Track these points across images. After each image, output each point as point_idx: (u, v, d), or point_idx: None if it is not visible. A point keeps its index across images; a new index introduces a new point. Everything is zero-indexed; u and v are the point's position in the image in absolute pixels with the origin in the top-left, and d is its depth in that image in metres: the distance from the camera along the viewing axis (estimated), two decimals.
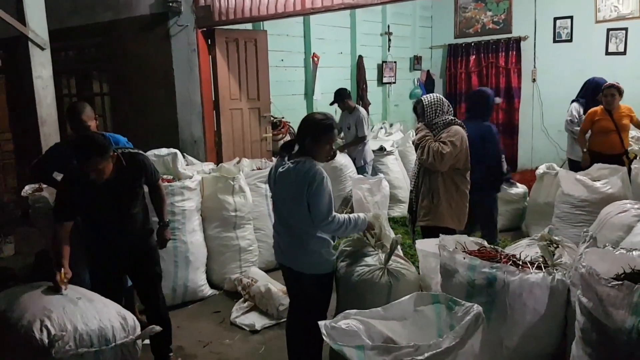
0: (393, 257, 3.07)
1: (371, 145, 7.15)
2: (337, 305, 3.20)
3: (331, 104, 7.08)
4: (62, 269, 2.93)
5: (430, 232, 3.78)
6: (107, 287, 3.18)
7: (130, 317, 2.77)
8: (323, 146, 2.96)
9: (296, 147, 3.04)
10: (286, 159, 3.03)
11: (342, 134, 6.97)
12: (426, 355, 1.97)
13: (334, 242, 3.26)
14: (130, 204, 3.26)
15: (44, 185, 4.39)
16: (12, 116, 7.67)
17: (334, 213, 2.94)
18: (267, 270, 4.95)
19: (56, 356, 2.46)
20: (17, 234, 6.11)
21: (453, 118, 4.03)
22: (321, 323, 2.14)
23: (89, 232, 3.30)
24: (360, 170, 6.62)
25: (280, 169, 3.01)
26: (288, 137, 7.48)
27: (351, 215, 3.05)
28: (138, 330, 2.75)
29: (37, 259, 4.91)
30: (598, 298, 1.80)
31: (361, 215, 3.11)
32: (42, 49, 4.86)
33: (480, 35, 9.86)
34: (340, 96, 6.88)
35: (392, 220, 6.45)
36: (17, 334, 2.55)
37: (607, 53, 8.45)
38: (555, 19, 8.93)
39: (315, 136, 2.94)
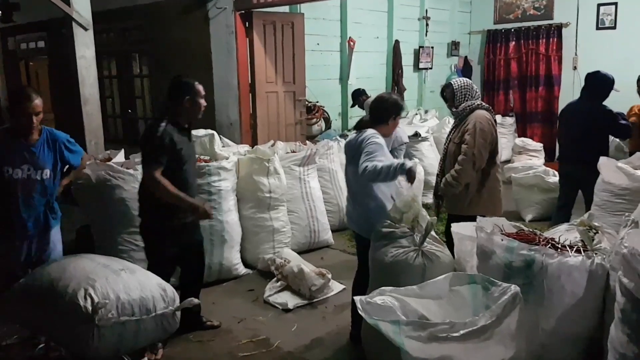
0: (428, 240, 3.07)
1: (405, 130, 7.11)
2: (370, 285, 3.22)
3: (352, 106, 7.40)
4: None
5: (460, 220, 3.59)
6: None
7: (170, 289, 2.85)
8: (388, 121, 3.37)
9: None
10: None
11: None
12: (462, 332, 1.99)
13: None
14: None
15: (87, 162, 4.51)
16: (54, 97, 7.88)
17: (372, 162, 3.06)
18: (300, 252, 5.00)
19: (99, 323, 2.55)
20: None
21: (480, 102, 3.90)
22: (357, 298, 2.17)
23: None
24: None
25: (348, 140, 3.47)
26: (322, 122, 7.50)
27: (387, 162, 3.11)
28: (177, 302, 2.83)
29: (78, 234, 5.07)
30: None
31: (399, 160, 3.14)
32: (85, 29, 4.97)
33: (520, 21, 9.66)
34: (355, 97, 7.29)
35: (425, 207, 6.40)
36: (62, 302, 2.65)
37: None
38: (599, 5, 8.68)
39: (381, 112, 3.36)
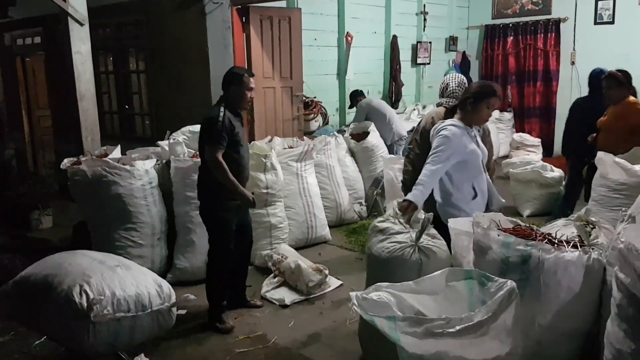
0: (424, 235, 3.06)
1: (404, 125, 7.15)
2: (366, 280, 3.22)
3: (350, 107, 7.53)
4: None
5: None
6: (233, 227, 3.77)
7: (166, 285, 2.84)
8: (481, 109, 3.30)
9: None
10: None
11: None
12: (457, 328, 1.98)
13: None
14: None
15: (83, 159, 4.51)
16: (51, 93, 7.85)
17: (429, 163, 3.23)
18: (297, 248, 5.00)
19: (95, 319, 2.55)
20: (55, 207, 6.29)
21: (445, 100, 3.89)
22: (352, 294, 2.16)
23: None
24: (390, 148, 6.64)
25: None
26: (319, 117, 7.50)
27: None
28: (173, 298, 2.83)
29: (75, 230, 5.06)
30: (636, 274, 1.77)
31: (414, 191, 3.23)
32: (81, 24, 4.95)
33: (518, 16, 9.64)
34: (353, 97, 7.42)
35: None
36: (57, 298, 2.64)
37: None
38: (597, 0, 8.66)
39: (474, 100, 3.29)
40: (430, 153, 3.29)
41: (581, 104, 5.57)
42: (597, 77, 5.22)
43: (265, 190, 4.85)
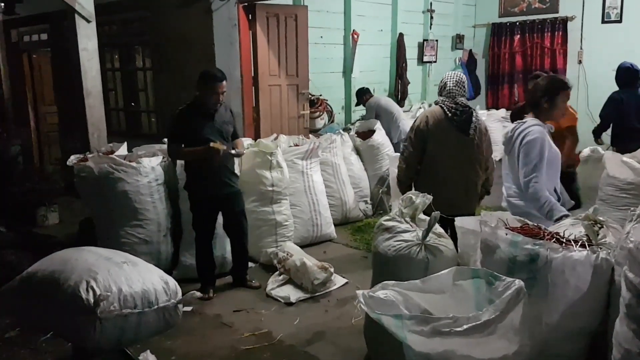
0: (431, 234, 3.05)
1: (410, 124, 7.12)
2: (372, 279, 3.21)
3: (356, 104, 7.59)
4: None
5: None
6: (208, 223, 4.22)
7: (172, 282, 2.84)
8: (558, 103, 3.25)
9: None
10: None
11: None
12: (465, 327, 1.97)
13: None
14: None
15: (89, 155, 4.51)
16: (57, 89, 7.87)
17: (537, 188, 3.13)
18: (302, 246, 5.00)
19: (101, 315, 2.54)
20: (61, 203, 6.32)
21: (441, 99, 3.97)
22: (359, 292, 2.15)
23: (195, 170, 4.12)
24: (396, 146, 6.62)
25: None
26: (325, 115, 7.50)
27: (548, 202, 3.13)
28: (179, 295, 2.82)
29: (81, 227, 5.08)
30: None
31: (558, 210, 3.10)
32: (88, 21, 4.95)
33: (525, 14, 9.60)
34: (359, 95, 7.48)
35: None
36: (64, 294, 2.63)
37: None
38: None
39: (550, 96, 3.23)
40: (524, 163, 3.15)
41: (622, 98, 5.67)
42: (628, 71, 5.51)
43: (270, 188, 4.85)
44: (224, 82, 3.99)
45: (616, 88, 5.92)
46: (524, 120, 3.28)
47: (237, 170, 4.55)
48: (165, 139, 4.93)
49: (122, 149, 4.80)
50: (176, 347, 3.48)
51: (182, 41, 6.24)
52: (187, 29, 6.18)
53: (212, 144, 3.90)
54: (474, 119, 3.89)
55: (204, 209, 4.18)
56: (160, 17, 6.43)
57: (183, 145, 4.04)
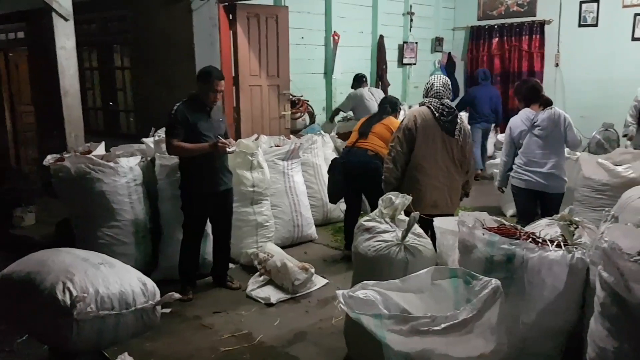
0: (410, 234, 3.08)
1: None
2: (353, 279, 3.22)
3: (352, 87, 7.52)
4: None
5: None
6: (201, 222, 4.25)
7: (151, 284, 2.81)
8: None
9: None
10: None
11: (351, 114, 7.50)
12: (443, 326, 1.99)
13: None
14: None
15: (66, 155, 4.45)
16: (34, 88, 7.73)
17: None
18: (283, 247, 4.99)
19: (78, 317, 2.51)
20: (38, 204, 6.21)
21: (428, 99, 4.05)
22: (338, 292, 2.17)
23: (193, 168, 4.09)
24: None
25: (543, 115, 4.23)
26: (306, 116, 7.49)
27: None
28: (158, 296, 2.80)
29: (57, 228, 5.00)
30: (619, 273, 1.79)
31: None
32: (66, 19, 4.90)
33: (503, 17, 9.72)
34: (355, 80, 7.54)
35: None
36: (40, 296, 2.60)
37: (634, 39, 8.29)
38: (581, 2, 8.77)
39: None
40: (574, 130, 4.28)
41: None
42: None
43: (251, 189, 4.84)
44: (223, 81, 4.08)
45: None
46: (549, 107, 4.24)
47: None
48: (145, 139, 4.91)
49: (100, 149, 4.74)
50: (155, 349, 3.44)
51: (162, 40, 6.19)
52: (167, 28, 6.13)
53: (220, 142, 3.93)
54: (458, 120, 3.95)
55: (199, 207, 4.17)
56: (140, 15, 6.37)
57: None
